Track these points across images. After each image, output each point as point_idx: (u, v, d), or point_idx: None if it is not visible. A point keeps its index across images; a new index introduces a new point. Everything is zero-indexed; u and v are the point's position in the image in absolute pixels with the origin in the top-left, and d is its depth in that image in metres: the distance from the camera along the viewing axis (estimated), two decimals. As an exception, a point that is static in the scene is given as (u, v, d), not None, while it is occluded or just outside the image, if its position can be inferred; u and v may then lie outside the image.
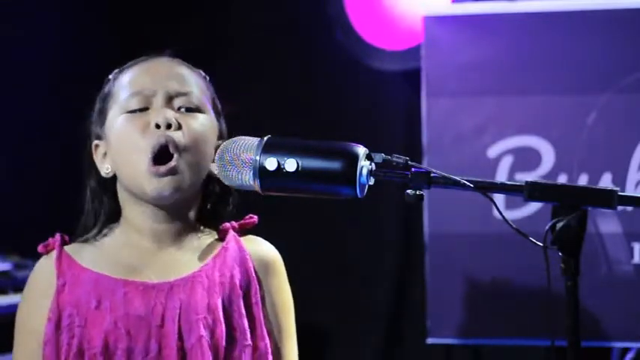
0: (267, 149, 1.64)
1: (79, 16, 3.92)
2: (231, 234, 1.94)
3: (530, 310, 3.27)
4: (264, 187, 1.65)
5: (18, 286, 3.27)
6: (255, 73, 3.95)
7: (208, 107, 1.91)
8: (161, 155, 1.83)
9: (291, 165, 1.62)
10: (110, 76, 1.96)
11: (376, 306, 3.97)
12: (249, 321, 1.88)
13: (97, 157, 1.93)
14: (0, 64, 3.69)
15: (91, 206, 1.95)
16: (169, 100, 1.87)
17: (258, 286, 1.91)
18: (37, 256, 1.93)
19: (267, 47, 3.99)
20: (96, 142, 1.93)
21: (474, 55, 3.39)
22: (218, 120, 1.93)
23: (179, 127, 1.84)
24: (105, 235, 1.93)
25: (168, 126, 1.83)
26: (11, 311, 3.28)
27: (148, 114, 1.85)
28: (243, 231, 1.97)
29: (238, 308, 1.87)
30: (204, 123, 1.88)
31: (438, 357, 3.80)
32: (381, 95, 3.95)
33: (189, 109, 1.87)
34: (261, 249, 1.96)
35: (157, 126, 1.83)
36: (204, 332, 1.82)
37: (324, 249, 3.91)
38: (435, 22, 3.42)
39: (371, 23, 3.83)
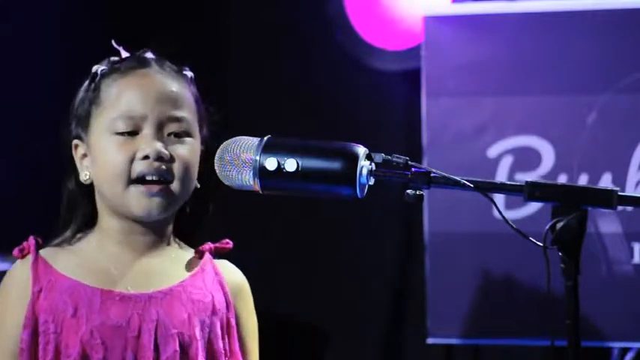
0: (267, 149, 1.64)
1: (79, 15, 3.92)
2: (207, 256, 1.94)
3: (530, 310, 3.27)
4: (264, 187, 1.65)
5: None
6: (255, 73, 3.95)
7: (195, 126, 1.90)
8: (147, 181, 1.83)
9: (291, 165, 1.62)
10: (97, 72, 1.92)
11: (376, 306, 3.97)
12: (224, 343, 1.88)
13: (77, 157, 1.91)
14: (-1, 64, 3.69)
15: (66, 208, 1.94)
16: (160, 126, 1.85)
17: (233, 312, 1.91)
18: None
19: (267, 47, 3.99)
20: (76, 141, 1.91)
21: (474, 55, 3.39)
22: (201, 131, 1.92)
23: (171, 159, 1.84)
24: (79, 239, 1.91)
25: (159, 158, 1.83)
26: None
27: (136, 140, 1.84)
28: (218, 254, 1.97)
29: (215, 328, 1.87)
30: (192, 149, 1.88)
31: (438, 357, 3.80)
32: (381, 95, 3.94)
33: (178, 135, 1.86)
34: (234, 275, 1.97)
35: (146, 157, 1.82)
36: (178, 347, 1.82)
37: (324, 249, 3.91)
38: (435, 22, 3.42)
39: (371, 23, 3.82)
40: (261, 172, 1.63)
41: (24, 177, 3.76)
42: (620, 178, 3.28)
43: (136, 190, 1.83)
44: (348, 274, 3.94)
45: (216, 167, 1.73)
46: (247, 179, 1.67)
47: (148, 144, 1.83)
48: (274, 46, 3.99)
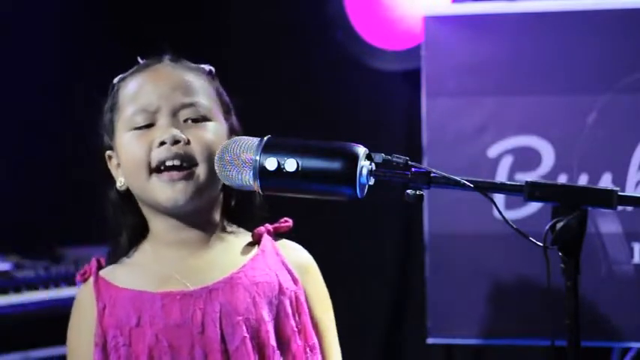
0: (267, 149, 1.64)
1: (79, 15, 3.92)
2: (266, 237, 1.93)
3: (530, 310, 3.27)
4: (264, 187, 1.66)
5: (18, 286, 3.27)
6: (255, 73, 3.95)
7: (216, 112, 1.90)
8: (170, 169, 1.82)
9: (291, 165, 1.62)
10: (115, 82, 1.94)
11: (376, 306, 3.97)
12: (296, 322, 1.87)
13: (112, 168, 1.92)
14: (-1, 64, 3.70)
15: (113, 219, 1.94)
16: (174, 114, 1.85)
17: (302, 288, 1.90)
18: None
19: (267, 47, 3.99)
20: (108, 152, 1.93)
21: (474, 55, 3.38)
22: (228, 118, 1.92)
23: (188, 142, 1.83)
24: (135, 251, 1.92)
25: (176, 142, 1.82)
26: (11, 311, 3.29)
27: (153, 131, 1.84)
28: (277, 234, 1.96)
29: (284, 307, 1.86)
30: (213, 130, 1.86)
31: (438, 357, 3.80)
32: (381, 95, 3.95)
33: (196, 120, 1.86)
34: (296, 252, 1.97)
35: (162, 143, 1.82)
36: (246, 333, 1.80)
37: (324, 249, 3.90)
38: (435, 22, 3.42)
39: (371, 23, 3.82)
40: (261, 172, 1.64)
41: (24, 177, 3.76)
42: (620, 178, 3.28)
43: (158, 179, 1.82)
44: (348, 274, 3.94)
45: (216, 167, 1.73)
46: (247, 179, 1.67)
47: (163, 131, 1.83)
48: (274, 46, 3.99)
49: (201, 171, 1.83)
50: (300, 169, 1.62)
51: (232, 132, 1.91)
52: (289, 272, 1.90)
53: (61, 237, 3.62)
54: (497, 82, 3.39)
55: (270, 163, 1.63)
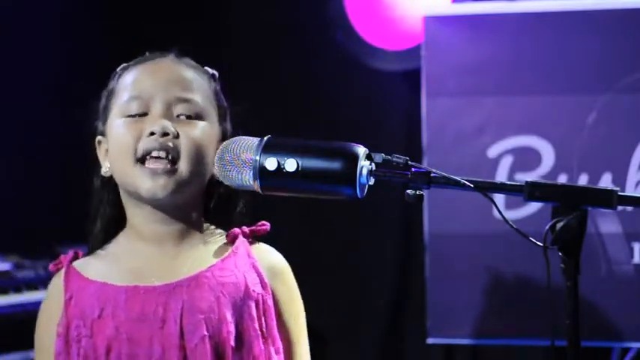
0: (267, 149, 1.64)
1: (79, 16, 3.92)
2: (241, 239, 1.92)
3: (530, 310, 3.27)
4: (264, 187, 1.65)
5: (18, 286, 3.27)
6: (255, 73, 3.95)
7: (210, 113, 1.89)
8: (154, 157, 1.82)
9: (291, 165, 1.62)
10: (117, 70, 1.94)
11: (376, 306, 3.97)
12: (260, 326, 1.86)
13: (100, 154, 1.92)
14: (-1, 64, 3.69)
15: (94, 207, 1.94)
16: (169, 106, 1.85)
17: (270, 292, 1.89)
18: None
19: (267, 47, 3.99)
20: (98, 137, 1.92)
21: (474, 55, 3.39)
22: (222, 122, 1.92)
23: (177, 136, 1.83)
24: (110, 244, 1.91)
25: (165, 134, 1.82)
26: (11, 311, 3.29)
27: (145, 120, 1.84)
28: (254, 237, 1.95)
29: (249, 309, 1.85)
30: (204, 130, 1.85)
31: (438, 357, 3.80)
32: (381, 95, 3.95)
33: (188, 117, 1.85)
34: (269, 256, 1.94)
35: (152, 133, 1.82)
36: (206, 332, 1.80)
37: (324, 249, 3.91)
38: (435, 22, 3.42)
39: (371, 23, 3.82)
40: (261, 172, 1.63)
41: (24, 177, 3.76)
42: (620, 178, 3.28)
43: (141, 169, 1.82)
44: (348, 274, 3.94)
45: (216, 167, 1.73)
46: (247, 179, 1.67)
47: (154, 121, 1.83)
48: (274, 46, 3.99)
49: (184, 167, 1.82)
50: (300, 169, 1.62)
51: (224, 137, 1.90)
52: (258, 275, 1.89)
53: (61, 237, 3.62)
54: (497, 82, 3.40)
55: (270, 163, 1.63)
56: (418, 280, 3.58)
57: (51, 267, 1.93)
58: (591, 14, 3.33)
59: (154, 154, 1.82)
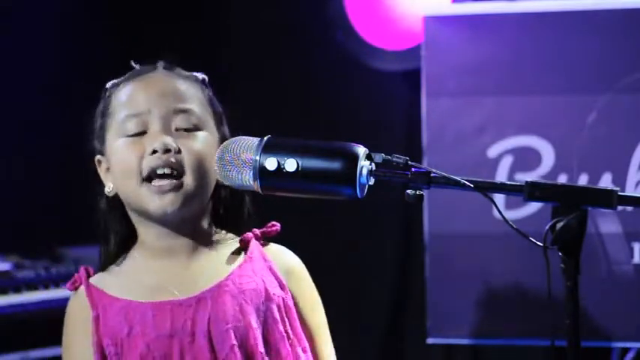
0: (267, 149, 1.64)
1: (79, 15, 3.92)
2: (254, 243, 1.93)
3: (530, 310, 3.26)
4: (264, 187, 1.66)
5: (18, 286, 3.27)
6: (255, 73, 3.95)
7: (208, 121, 1.90)
8: (161, 177, 1.83)
9: (291, 165, 1.62)
10: (107, 87, 1.93)
11: (376, 306, 3.97)
12: (284, 327, 1.87)
13: (101, 173, 1.92)
14: (-1, 65, 3.70)
15: (103, 225, 1.94)
16: (166, 120, 1.85)
17: (289, 293, 1.90)
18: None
19: (267, 47, 3.99)
20: (98, 157, 1.93)
21: (474, 55, 3.38)
22: (219, 127, 1.92)
23: (179, 151, 1.83)
24: (124, 258, 1.92)
25: (167, 150, 1.82)
26: (11, 311, 3.29)
27: (145, 138, 1.84)
28: (265, 239, 1.96)
29: (272, 313, 1.86)
30: (205, 141, 1.86)
31: (438, 357, 3.80)
32: (381, 95, 3.94)
33: (187, 130, 1.86)
34: (283, 256, 1.96)
35: (154, 151, 1.82)
36: (235, 341, 1.81)
37: (324, 249, 3.91)
38: (435, 22, 3.42)
39: (371, 23, 3.82)
40: (261, 172, 1.64)
41: (24, 177, 3.76)
42: (620, 178, 3.28)
43: (148, 189, 1.83)
44: (348, 274, 3.94)
45: (216, 167, 1.73)
46: (247, 179, 1.67)
47: (155, 138, 1.83)
48: (274, 46, 3.99)
49: (189, 181, 1.83)
50: (300, 169, 1.62)
51: (223, 142, 1.90)
52: (276, 278, 1.91)
53: (61, 237, 3.62)
54: (497, 82, 3.39)
55: (270, 163, 1.63)
56: (418, 280, 3.58)
57: (68, 286, 1.93)
58: (591, 14, 3.32)
59: (159, 171, 1.83)
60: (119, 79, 1.94)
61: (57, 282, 3.32)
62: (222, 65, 3.86)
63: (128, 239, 1.93)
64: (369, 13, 3.82)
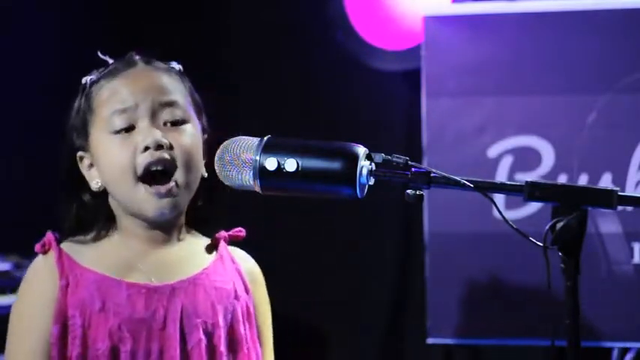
0: (267, 149, 1.64)
1: (79, 15, 3.92)
2: (222, 244, 1.97)
3: (530, 310, 3.27)
4: (264, 187, 1.65)
5: (18, 286, 3.26)
6: (255, 73, 3.94)
7: (191, 112, 1.91)
8: (155, 174, 1.84)
9: (291, 165, 1.62)
10: (85, 83, 1.93)
11: (376, 306, 3.97)
12: (244, 329, 1.90)
13: (84, 169, 1.92)
14: (-2, 64, 3.69)
15: (83, 216, 1.93)
16: (154, 114, 1.86)
17: (252, 298, 1.94)
18: (36, 257, 1.93)
19: (267, 47, 3.99)
20: (80, 153, 1.92)
21: (474, 55, 3.39)
22: (200, 118, 1.94)
23: (170, 147, 1.84)
24: (101, 238, 1.92)
25: (159, 147, 1.83)
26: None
27: (134, 134, 1.85)
28: (230, 242, 1.99)
29: (236, 314, 1.89)
30: (192, 134, 1.88)
31: (438, 357, 3.80)
32: (381, 95, 3.94)
33: (174, 123, 1.87)
34: (248, 262, 2.00)
35: (146, 148, 1.83)
36: (202, 336, 1.84)
37: (324, 249, 3.91)
38: (435, 22, 3.42)
39: (371, 23, 3.82)
40: (261, 172, 1.64)
41: (24, 177, 3.76)
42: (620, 178, 3.28)
43: (146, 191, 1.84)
44: (348, 274, 3.94)
45: (216, 167, 1.73)
46: (247, 179, 1.67)
47: (145, 134, 1.84)
48: (274, 46, 3.99)
49: (181, 179, 1.85)
50: (300, 169, 1.62)
51: (204, 132, 1.93)
52: (243, 281, 1.95)
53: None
54: (497, 82, 3.39)
55: (270, 163, 1.63)
56: (418, 280, 3.58)
57: (37, 248, 1.91)
58: (591, 14, 3.33)
59: (152, 168, 1.84)
60: (97, 75, 1.93)
61: (57, 282, 3.31)
62: (222, 65, 3.86)
63: (109, 224, 1.93)
64: (369, 13, 3.82)
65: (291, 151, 1.63)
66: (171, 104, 1.88)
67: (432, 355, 3.76)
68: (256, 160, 1.64)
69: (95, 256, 1.89)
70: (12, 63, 3.70)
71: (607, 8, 3.31)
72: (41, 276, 1.89)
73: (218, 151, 1.74)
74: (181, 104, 1.89)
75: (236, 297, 1.90)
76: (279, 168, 1.62)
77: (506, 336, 3.42)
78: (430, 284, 3.42)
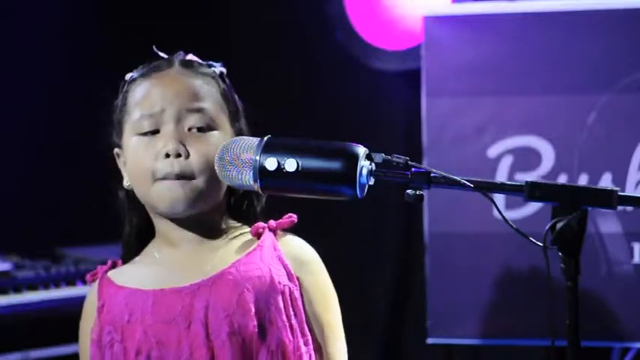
0: (267, 149, 1.64)
1: (79, 15, 3.92)
2: (267, 233, 1.93)
3: (530, 310, 3.26)
4: (264, 187, 1.66)
5: (18, 286, 3.27)
6: (254, 73, 3.94)
7: (222, 120, 1.91)
8: (169, 177, 1.85)
9: (291, 165, 1.62)
10: (126, 80, 1.95)
11: (376, 306, 3.97)
12: (288, 317, 1.87)
13: (120, 165, 1.95)
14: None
15: (123, 217, 1.98)
16: (179, 120, 1.87)
17: (297, 284, 1.90)
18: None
19: (267, 47, 3.99)
20: (116, 150, 1.95)
21: (474, 55, 3.38)
22: (234, 123, 1.93)
23: (188, 156, 1.84)
24: (143, 251, 1.95)
25: (178, 155, 1.84)
26: (11, 311, 3.29)
27: (157, 139, 1.86)
28: (282, 230, 1.96)
29: (275, 302, 1.86)
30: (217, 142, 1.86)
31: (438, 357, 3.80)
32: (381, 95, 3.95)
33: (200, 129, 1.87)
34: (295, 248, 1.96)
35: (167, 155, 1.84)
36: (232, 329, 1.82)
37: (324, 249, 3.91)
38: (435, 22, 3.42)
39: (371, 23, 3.82)
40: (261, 172, 1.64)
41: (24, 177, 3.76)
42: (620, 178, 3.28)
43: (160, 186, 1.85)
44: (348, 274, 3.94)
45: (216, 167, 1.74)
46: (247, 179, 1.68)
47: (167, 142, 1.85)
48: (274, 46, 3.99)
49: (200, 182, 1.85)
50: (300, 169, 1.62)
51: (241, 135, 1.92)
52: (285, 267, 1.90)
53: (61, 237, 3.62)
54: (497, 82, 3.39)
55: (270, 163, 1.63)
56: (418, 280, 3.58)
57: (88, 277, 1.98)
58: (591, 14, 3.32)
59: (170, 176, 1.85)
60: (137, 72, 1.95)
61: (57, 282, 3.32)
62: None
63: (147, 231, 1.96)
64: (369, 13, 3.82)
65: (291, 151, 1.63)
66: (198, 110, 1.88)
67: (432, 355, 3.76)
68: (256, 160, 1.64)
69: (132, 273, 1.93)
70: (12, 63, 3.71)
71: (607, 8, 3.31)
72: (87, 305, 1.96)
73: (218, 151, 1.74)
74: (210, 111, 1.89)
75: (272, 284, 1.86)
76: (279, 168, 1.62)
77: (506, 336, 3.41)
78: (430, 284, 3.42)
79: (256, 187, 1.66)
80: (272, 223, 1.96)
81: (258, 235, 1.93)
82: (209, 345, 1.81)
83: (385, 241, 3.96)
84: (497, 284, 3.39)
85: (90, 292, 1.96)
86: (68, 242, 3.59)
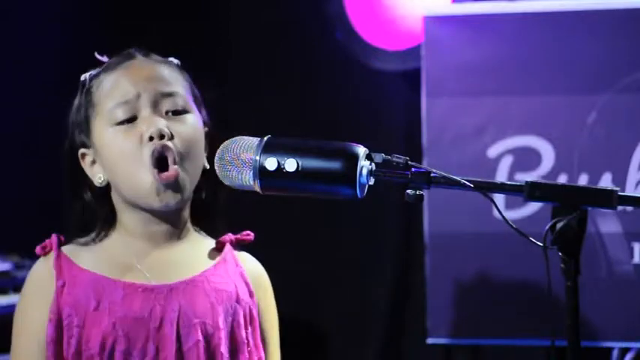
0: (267, 149, 1.64)
1: (79, 15, 3.92)
2: (228, 247, 1.96)
3: (530, 310, 3.26)
4: (264, 187, 1.66)
5: (18, 286, 3.27)
6: (254, 73, 3.94)
7: (191, 104, 1.92)
8: (161, 162, 1.84)
9: (291, 165, 1.62)
10: (85, 79, 1.94)
11: (376, 306, 3.97)
12: (246, 333, 1.89)
13: (86, 166, 1.93)
14: None
15: (85, 216, 1.94)
16: (155, 104, 1.87)
17: (255, 303, 1.93)
18: (36, 257, 1.94)
19: (267, 47, 3.98)
20: (82, 150, 1.93)
21: (474, 55, 3.38)
22: (200, 110, 1.95)
23: (172, 137, 1.85)
24: (102, 238, 1.93)
25: (162, 136, 1.84)
26: (11, 311, 3.28)
27: (137, 125, 1.86)
28: (237, 245, 1.99)
29: (237, 317, 1.89)
30: (193, 124, 1.89)
31: (438, 357, 3.80)
32: (381, 95, 3.94)
33: (176, 112, 1.88)
34: (254, 267, 1.99)
35: (151, 138, 1.84)
36: (201, 337, 1.83)
37: (324, 249, 3.91)
38: (435, 22, 3.42)
39: (371, 23, 3.82)
40: (261, 172, 1.64)
41: (24, 177, 3.76)
42: (620, 178, 3.28)
43: (153, 181, 1.84)
44: (348, 274, 3.94)
45: (216, 167, 1.73)
46: (247, 179, 1.68)
47: (149, 124, 1.85)
48: (274, 46, 3.99)
49: (184, 172, 1.86)
50: (300, 169, 1.62)
51: (205, 124, 1.94)
52: (246, 284, 1.94)
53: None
54: (497, 82, 3.39)
55: (270, 163, 1.63)
56: (418, 280, 3.58)
57: (38, 250, 1.93)
58: (591, 14, 3.33)
59: (157, 156, 1.84)
60: (96, 71, 1.95)
61: (57, 282, 3.32)
62: (222, 65, 3.86)
63: (108, 221, 1.94)
64: (369, 13, 3.82)
65: (291, 151, 1.63)
66: (172, 94, 1.89)
67: (432, 355, 3.76)
68: (256, 160, 1.64)
69: (94, 257, 1.90)
70: (12, 62, 3.70)
71: (607, 8, 3.31)
72: (40, 277, 1.90)
73: (218, 151, 1.74)
74: (182, 94, 1.91)
75: (238, 300, 1.89)
76: (279, 168, 1.62)
77: (506, 336, 3.42)
78: (430, 284, 3.42)
79: (256, 187, 1.66)
80: (232, 237, 1.98)
81: (220, 247, 1.95)
82: (178, 348, 1.82)
83: (385, 241, 3.96)
84: (497, 284, 3.39)
85: (41, 266, 1.90)
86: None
